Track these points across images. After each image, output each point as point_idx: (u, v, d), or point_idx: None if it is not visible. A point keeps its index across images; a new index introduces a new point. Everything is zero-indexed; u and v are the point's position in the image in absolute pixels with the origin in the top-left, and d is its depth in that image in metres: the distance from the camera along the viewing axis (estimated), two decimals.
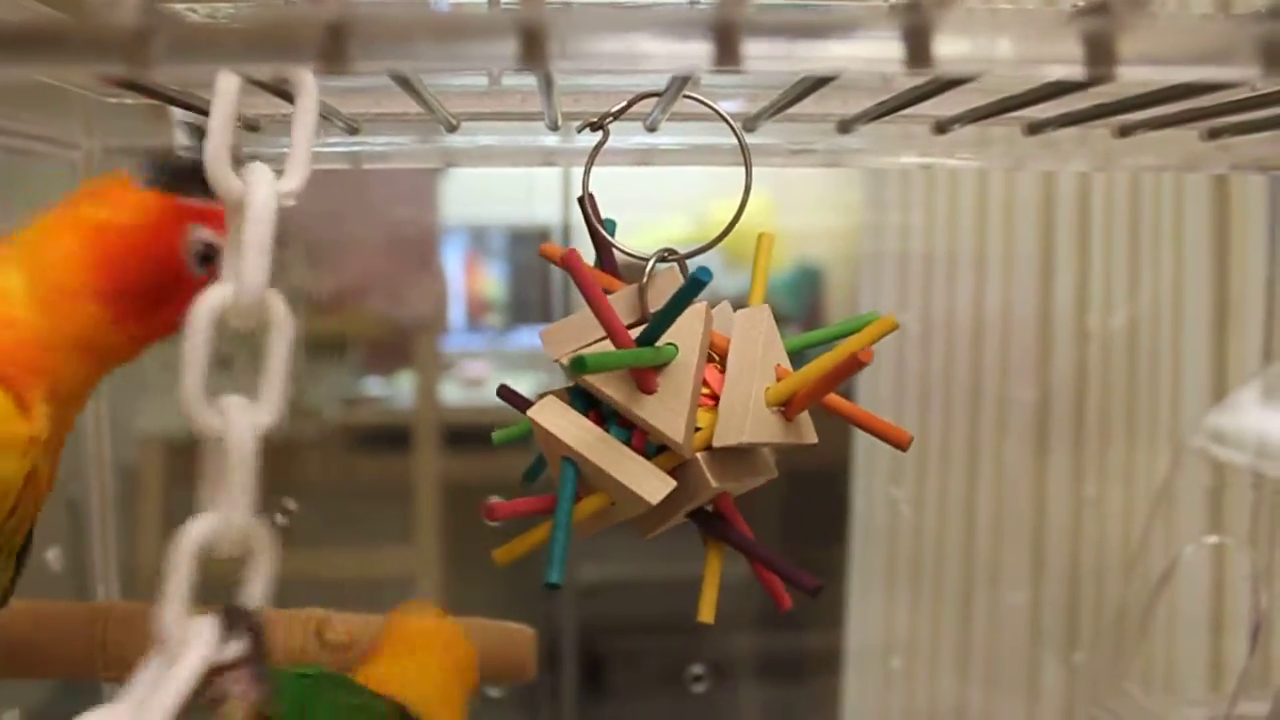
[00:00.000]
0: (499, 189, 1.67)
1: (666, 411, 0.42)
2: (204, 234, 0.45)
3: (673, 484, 0.43)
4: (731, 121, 0.50)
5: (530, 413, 0.43)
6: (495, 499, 0.46)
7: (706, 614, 0.46)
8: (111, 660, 0.60)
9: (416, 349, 1.60)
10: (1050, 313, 1.15)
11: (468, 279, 2.03)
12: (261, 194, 0.32)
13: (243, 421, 0.33)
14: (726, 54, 0.29)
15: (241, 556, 0.35)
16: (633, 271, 0.50)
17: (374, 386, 1.72)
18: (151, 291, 0.45)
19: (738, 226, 0.51)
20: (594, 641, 1.43)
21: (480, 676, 0.65)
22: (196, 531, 0.34)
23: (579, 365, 0.41)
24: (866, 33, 0.29)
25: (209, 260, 0.45)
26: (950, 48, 0.29)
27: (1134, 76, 0.30)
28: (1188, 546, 0.90)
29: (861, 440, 1.21)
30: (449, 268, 1.94)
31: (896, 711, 1.21)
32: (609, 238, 0.48)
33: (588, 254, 0.49)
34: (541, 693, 1.36)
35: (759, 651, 1.47)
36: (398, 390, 1.72)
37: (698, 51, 0.29)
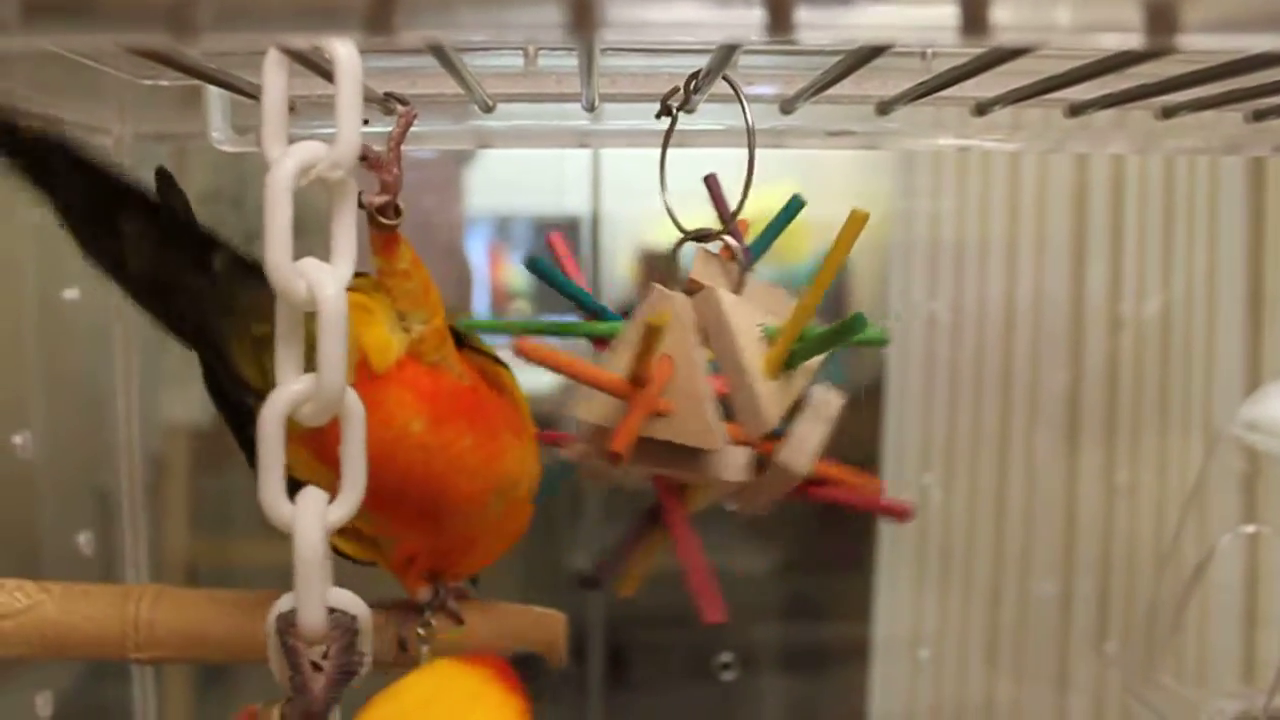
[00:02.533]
0: (525, 179, 1.66)
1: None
2: None
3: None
4: (744, 100, 0.50)
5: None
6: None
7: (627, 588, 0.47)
8: (144, 642, 0.60)
9: None
10: (1083, 300, 1.14)
11: (492, 269, 2.03)
12: (330, 293, 0.32)
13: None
14: (779, 22, 0.28)
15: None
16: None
17: None
18: None
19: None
20: (620, 632, 1.42)
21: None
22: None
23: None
24: None
25: None
26: (1006, 14, 0.29)
27: (1194, 45, 0.30)
28: (1224, 536, 0.89)
29: (891, 430, 1.20)
30: (473, 257, 1.93)
31: (924, 702, 1.20)
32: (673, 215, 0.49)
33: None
34: (568, 683, 1.36)
35: (787, 641, 1.46)
36: None
37: (749, 19, 0.28)
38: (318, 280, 0.34)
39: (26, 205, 0.86)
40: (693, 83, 0.49)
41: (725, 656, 1.27)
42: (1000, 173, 1.13)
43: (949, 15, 0.29)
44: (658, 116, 0.50)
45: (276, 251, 0.34)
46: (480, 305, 1.94)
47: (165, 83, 0.56)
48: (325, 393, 0.34)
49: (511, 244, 2.04)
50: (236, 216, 1.40)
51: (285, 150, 0.34)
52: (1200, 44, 0.30)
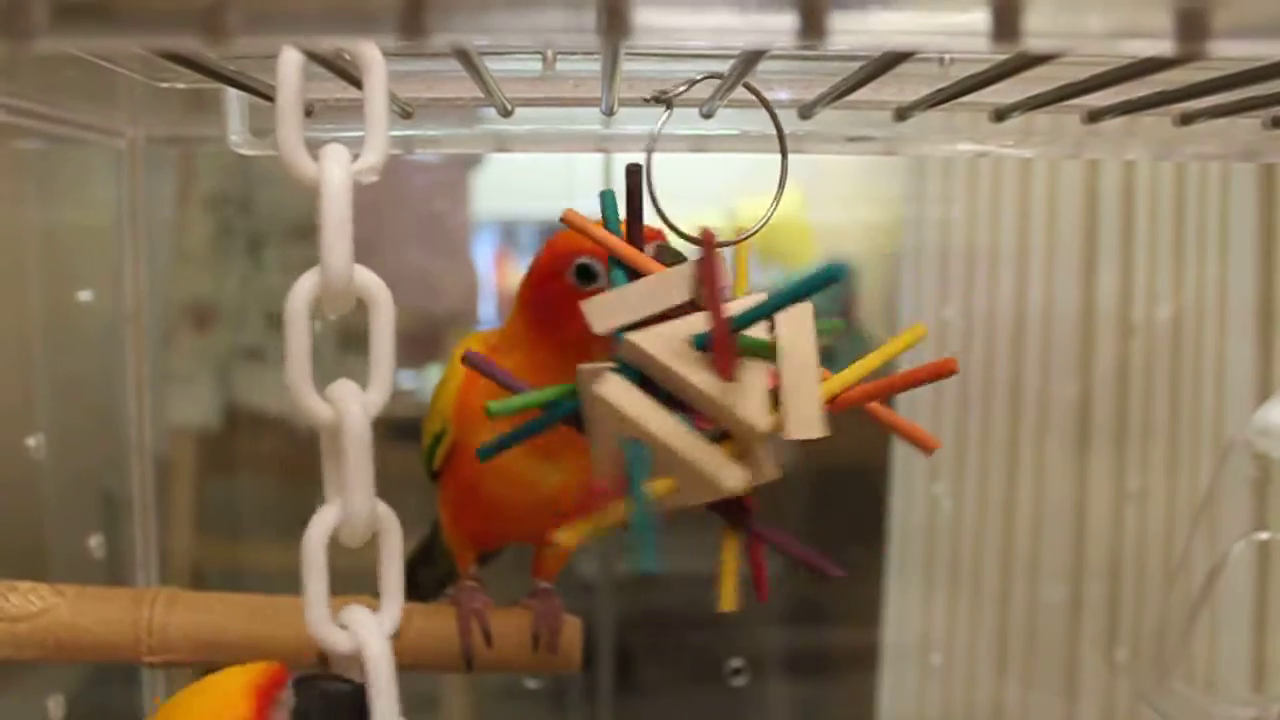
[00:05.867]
0: (532, 183, 1.67)
1: (748, 400, 0.42)
2: (583, 258, 0.55)
3: (748, 474, 0.42)
4: (771, 107, 0.50)
5: (599, 390, 0.42)
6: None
7: (728, 602, 0.45)
8: (157, 645, 0.60)
9: (447, 342, 1.60)
10: (1093, 306, 1.14)
11: (498, 273, 2.03)
12: (336, 174, 0.32)
13: (354, 407, 0.33)
14: (811, 26, 0.28)
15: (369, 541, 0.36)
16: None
17: (404, 379, 1.72)
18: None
19: (772, 223, 0.50)
20: (630, 635, 1.42)
21: (527, 666, 0.65)
22: (322, 523, 0.34)
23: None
24: (953, 4, 0.29)
25: (590, 278, 0.55)
26: (1038, 20, 0.29)
27: (1224, 51, 0.29)
28: (1238, 543, 0.88)
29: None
30: (479, 261, 1.93)
31: (934, 707, 1.20)
32: (664, 215, 0.48)
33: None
34: (576, 687, 1.35)
35: (797, 646, 1.46)
36: (428, 383, 1.71)
37: (781, 24, 0.28)
38: (326, 164, 0.33)
39: (38, 208, 0.87)
40: (696, 81, 0.49)
41: (736, 662, 1.27)
42: (1011, 178, 1.13)
43: (980, 21, 0.29)
44: (647, 102, 0.50)
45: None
46: (486, 310, 1.94)
47: (182, 85, 0.56)
48: (331, 279, 0.34)
49: (518, 249, 2.04)
50: (244, 220, 1.41)
51: (335, 156, 0.34)
52: (1231, 50, 0.29)
